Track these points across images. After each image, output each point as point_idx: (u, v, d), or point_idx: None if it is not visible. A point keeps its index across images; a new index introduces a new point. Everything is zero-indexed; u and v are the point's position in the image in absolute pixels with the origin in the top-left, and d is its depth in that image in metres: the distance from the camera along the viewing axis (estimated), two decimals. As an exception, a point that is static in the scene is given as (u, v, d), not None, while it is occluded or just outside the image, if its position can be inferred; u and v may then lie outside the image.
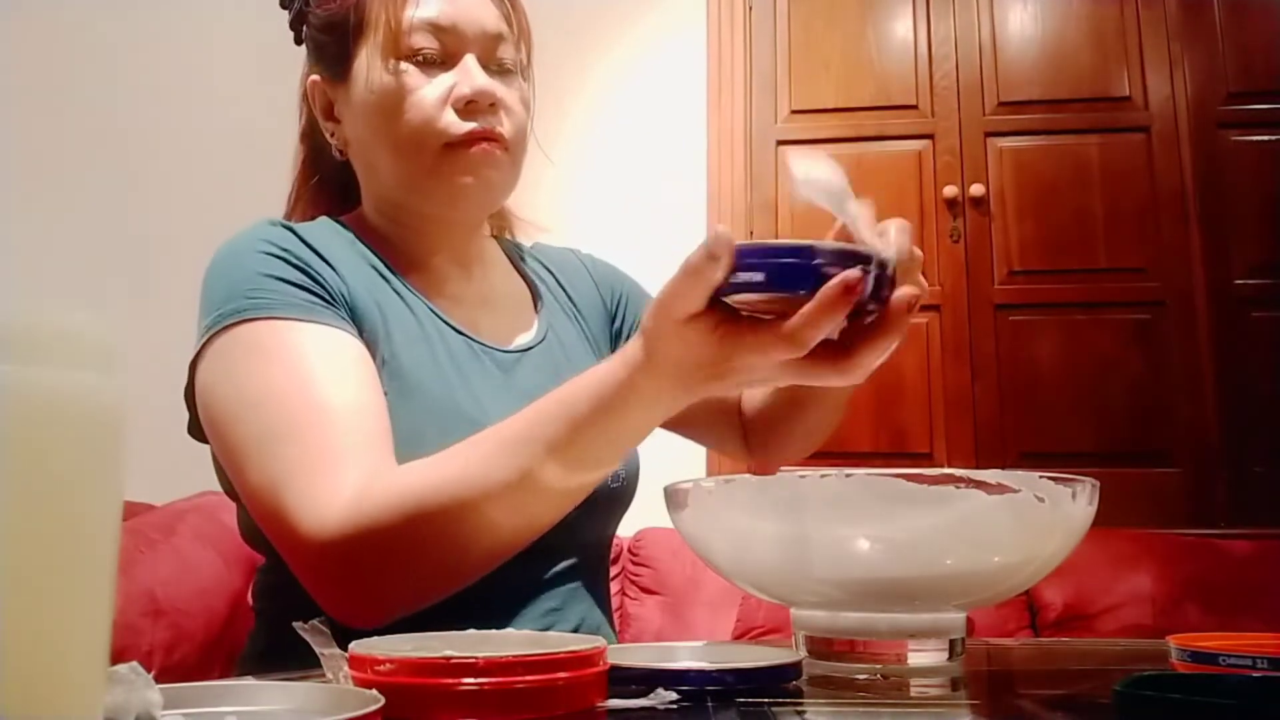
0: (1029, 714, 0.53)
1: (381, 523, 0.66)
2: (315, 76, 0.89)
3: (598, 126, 2.76)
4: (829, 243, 0.57)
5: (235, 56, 2.64)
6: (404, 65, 0.82)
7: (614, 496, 0.88)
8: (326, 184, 0.95)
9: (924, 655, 0.59)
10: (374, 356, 0.79)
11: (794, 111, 2.80)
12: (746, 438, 1.02)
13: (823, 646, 0.60)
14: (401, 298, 0.84)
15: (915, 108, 2.75)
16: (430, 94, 0.82)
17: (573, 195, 2.57)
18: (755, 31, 2.83)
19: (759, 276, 0.55)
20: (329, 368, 0.74)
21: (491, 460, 0.67)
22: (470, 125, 0.82)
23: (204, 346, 0.76)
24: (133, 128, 2.70)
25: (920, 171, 2.72)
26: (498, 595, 0.76)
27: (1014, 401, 2.59)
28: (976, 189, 2.66)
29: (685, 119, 2.77)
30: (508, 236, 1.03)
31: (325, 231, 0.86)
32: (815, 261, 0.54)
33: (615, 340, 1.01)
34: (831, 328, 0.56)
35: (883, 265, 0.56)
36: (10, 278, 2.51)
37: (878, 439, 2.61)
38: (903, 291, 0.57)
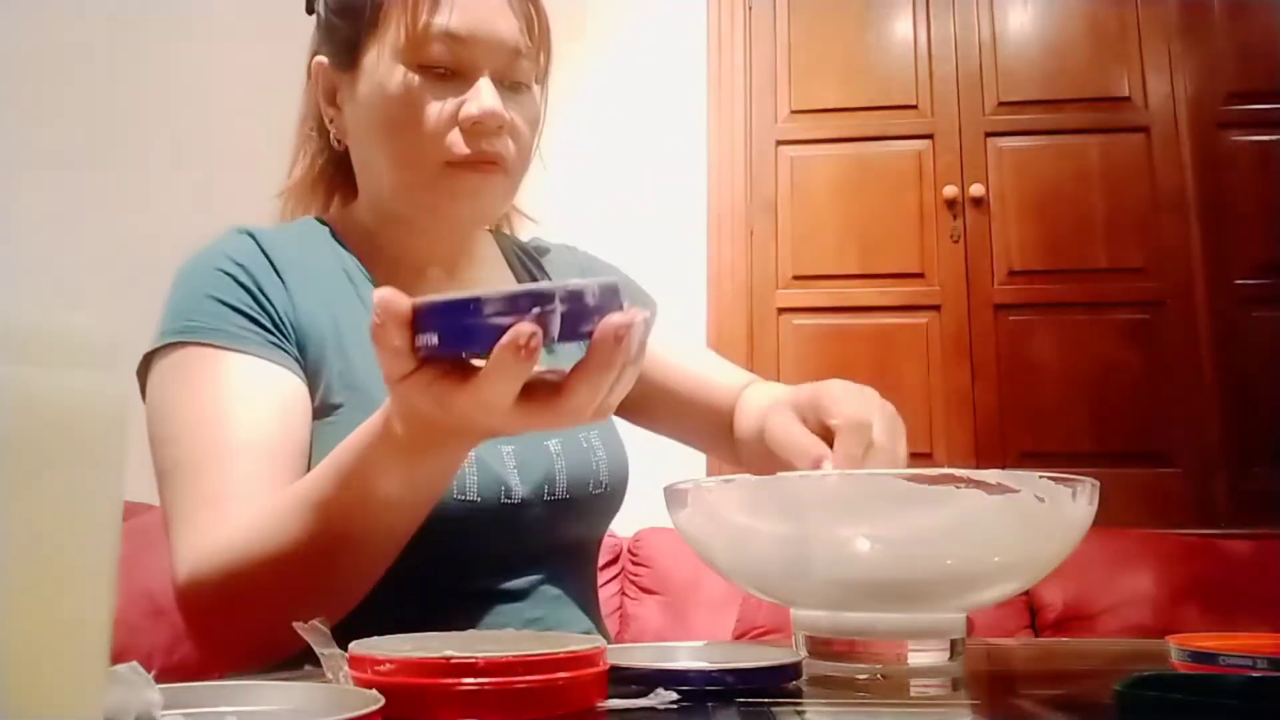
0: (1029, 714, 0.53)
1: (207, 574, 0.68)
2: (322, 58, 0.87)
3: (597, 126, 2.76)
4: (501, 289, 0.50)
5: (242, 48, 2.65)
6: (416, 75, 0.80)
7: (594, 505, 0.86)
8: (331, 164, 0.93)
9: (924, 655, 0.59)
10: (323, 372, 0.79)
11: (794, 111, 2.80)
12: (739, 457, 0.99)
13: (823, 646, 0.60)
14: (366, 305, 0.82)
15: (915, 108, 2.75)
16: (438, 110, 0.80)
17: (572, 195, 2.57)
18: (755, 31, 2.83)
19: (434, 339, 0.51)
20: (245, 404, 0.74)
21: (282, 518, 0.66)
22: (471, 149, 0.80)
23: (150, 360, 0.78)
24: (134, 125, 2.70)
25: (920, 171, 2.72)
26: (463, 605, 0.76)
27: (1014, 401, 2.60)
28: (976, 189, 2.67)
29: (685, 119, 2.77)
30: (505, 231, 1.02)
31: (297, 236, 0.85)
32: (485, 316, 0.50)
33: None
34: (522, 378, 0.52)
35: (573, 297, 0.50)
36: (10, 277, 2.51)
37: (878, 439, 2.60)
38: (606, 320, 0.50)
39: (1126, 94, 2.68)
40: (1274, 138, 2.61)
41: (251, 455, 0.72)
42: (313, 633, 0.45)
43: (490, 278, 0.95)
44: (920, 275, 2.67)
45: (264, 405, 0.75)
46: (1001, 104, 2.72)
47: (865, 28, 2.80)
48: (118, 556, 0.28)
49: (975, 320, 2.64)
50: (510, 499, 0.79)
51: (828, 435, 0.69)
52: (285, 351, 0.78)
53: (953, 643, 0.60)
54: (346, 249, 0.86)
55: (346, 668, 0.44)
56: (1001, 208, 2.68)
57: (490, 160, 0.81)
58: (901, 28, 2.79)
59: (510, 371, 0.51)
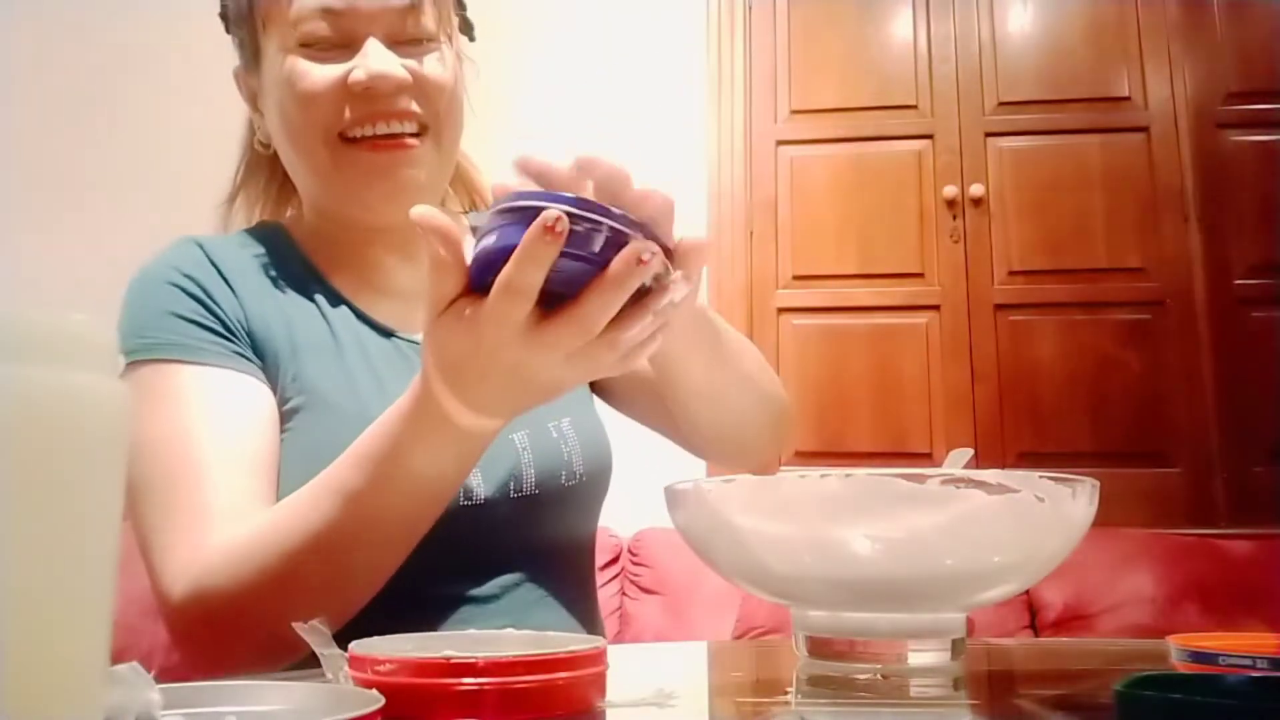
0: (1029, 714, 0.53)
1: (211, 586, 0.65)
2: (239, 64, 0.86)
3: (597, 126, 2.76)
4: (531, 191, 0.51)
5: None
6: (296, 56, 0.77)
7: (569, 498, 0.82)
8: (271, 171, 0.91)
9: (924, 655, 0.59)
10: (279, 377, 0.77)
11: (794, 111, 2.80)
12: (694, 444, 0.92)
13: (823, 646, 0.60)
14: (318, 306, 0.82)
15: (915, 108, 2.75)
16: (321, 84, 0.77)
17: (572, 195, 2.56)
18: (755, 31, 2.83)
19: (491, 239, 0.51)
20: (211, 416, 0.73)
21: (304, 511, 0.64)
22: (369, 128, 0.77)
23: None
24: (134, 125, 2.70)
25: (920, 171, 2.72)
26: (421, 612, 0.72)
27: (1013, 401, 2.60)
28: (976, 189, 2.67)
29: (685, 119, 2.77)
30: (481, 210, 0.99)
31: (247, 243, 0.84)
32: (533, 204, 0.49)
33: None
34: (546, 262, 0.50)
35: (609, 216, 0.51)
36: (10, 278, 2.51)
37: (878, 439, 2.61)
38: (635, 242, 0.51)
39: (1126, 94, 2.68)
40: (1274, 138, 2.61)
41: (229, 467, 0.71)
42: (313, 633, 0.45)
43: None
44: (920, 275, 2.67)
45: (232, 415, 0.74)
46: (1001, 104, 2.72)
47: (865, 28, 2.80)
48: (118, 556, 0.28)
49: (975, 320, 2.64)
50: (471, 499, 0.76)
51: None
52: (246, 359, 0.77)
53: (953, 643, 0.60)
54: (302, 253, 0.85)
55: (346, 668, 0.44)
56: (1001, 208, 2.68)
57: (395, 139, 0.77)
58: (901, 28, 2.79)
59: (536, 253, 0.49)
